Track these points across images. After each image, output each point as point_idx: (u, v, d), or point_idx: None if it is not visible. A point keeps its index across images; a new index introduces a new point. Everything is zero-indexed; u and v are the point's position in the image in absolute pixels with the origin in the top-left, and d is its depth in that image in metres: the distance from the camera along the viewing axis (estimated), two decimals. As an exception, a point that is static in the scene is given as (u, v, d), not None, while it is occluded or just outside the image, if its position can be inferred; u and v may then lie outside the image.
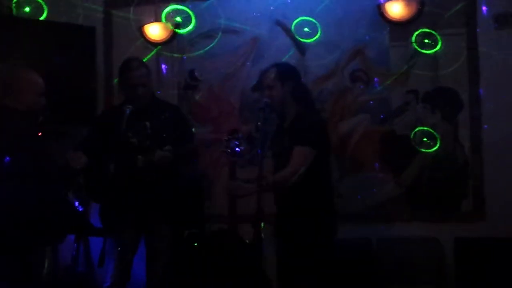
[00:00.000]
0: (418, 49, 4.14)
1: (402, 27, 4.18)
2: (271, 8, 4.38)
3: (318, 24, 4.30)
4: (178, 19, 4.50)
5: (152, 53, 4.52)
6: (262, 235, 3.20)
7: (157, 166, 3.44)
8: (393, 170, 4.17)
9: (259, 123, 3.48)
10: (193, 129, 3.93)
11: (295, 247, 3.29)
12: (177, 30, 4.48)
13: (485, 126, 4.04)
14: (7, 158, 2.94)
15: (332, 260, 3.29)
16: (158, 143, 3.49)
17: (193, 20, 4.48)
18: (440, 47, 4.12)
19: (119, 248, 3.51)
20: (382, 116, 4.21)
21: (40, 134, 3.28)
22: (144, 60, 3.93)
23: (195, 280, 3.81)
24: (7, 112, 3.00)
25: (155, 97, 3.81)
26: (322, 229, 3.27)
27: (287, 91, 3.35)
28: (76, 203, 3.94)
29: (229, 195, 3.74)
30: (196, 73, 4.47)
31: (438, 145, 4.10)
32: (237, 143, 3.30)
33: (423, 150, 4.11)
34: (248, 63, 4.41)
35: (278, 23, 4.38)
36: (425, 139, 4.12)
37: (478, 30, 4.07)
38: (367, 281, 3.94)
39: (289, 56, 4.26)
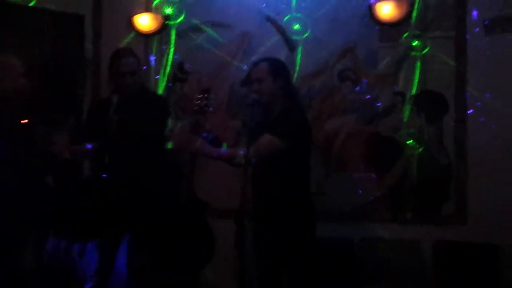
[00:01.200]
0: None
1: (392, 28, 4.19)
2: (263, 4, 4.36)
3: (308, 22, 4.29)
4: (169, 10, 4.48)
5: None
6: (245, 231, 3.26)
7: None
8: (377, 170, 4.19)
9: (246, 119, 3.51)
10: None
11: (274, 244, 3.33)
12: (168, 22, 4.46)
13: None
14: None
15: (311, 257, 3.33)
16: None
17: (183, 13, 4.47)
18: (429, 50, 4.14)
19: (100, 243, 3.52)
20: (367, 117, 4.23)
21: (26, 121, 3.27)
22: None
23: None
24: None
25: (144, 87, 3.82)
26: (300, 225, 3.30)
27: (277, 87, 3.37)
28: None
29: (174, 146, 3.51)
30: (185, 66, 4.47)
31: (422, 147, 4.12)
32: (207, 102, 3.30)
33: (408, 151, 4.14)
34: (237, 58, 4.41)
35: (269, 19, 4.37)
36: (410, 142, 4.14)
37: (467, 33, 4.07)
38: (348, 281, 3.97)
39: (279, 53, 4.24)
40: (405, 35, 4.16)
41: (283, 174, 3.29)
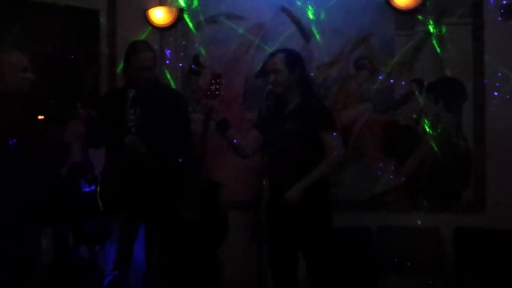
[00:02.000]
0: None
1: (407, 16, 4.16)
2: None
3: (323, 11, 4.27)
4: (182, 3, 4.48)
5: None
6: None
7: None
8: (395, 159, 4.17)
9: (262, 111, 3.55)
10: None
11: (290, 233, 3.35)
12: (185, 13, 4.45)
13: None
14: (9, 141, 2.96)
15: (327, 248, 3.35)
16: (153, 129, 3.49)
17: (196, 3, 4.46)
18: (445, 36, 4.10)
19: (119, 234, 3.54)
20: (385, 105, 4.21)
21: (43, 117, 3.29)
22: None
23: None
24: None
25: (159, 81, 3.82)
26: (317, 215, 3.35)
27: (294, 78, 3.41)
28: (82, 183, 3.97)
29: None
30: (200, 59, 4.47)
31: (440, 135, 4.10)
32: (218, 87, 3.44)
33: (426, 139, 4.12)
34: (252, 50, 4.39)
35: (284, 9, 4.36)
36: (428, 130, 4.12)
37: (484, 20, 4.03)
38: (367, 270, 3.98)
39: (294, 43, 4.22)
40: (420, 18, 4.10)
41: (302, 164, 3.31)
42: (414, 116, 4.15)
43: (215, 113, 3.42)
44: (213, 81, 3.45)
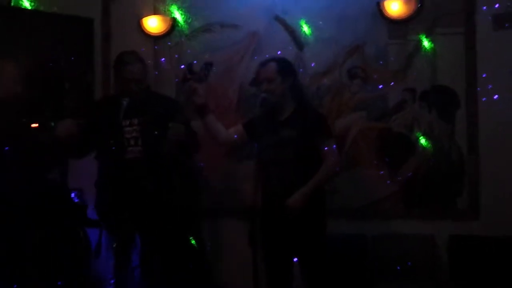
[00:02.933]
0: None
1: (400, 25, 4.19)
2: (271, 3, 4.37)
3: (317, 20, 4.30)
4: (176, 12, 4.50)
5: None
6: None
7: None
8: (389, 167, 4.18)
9: (255, 119, 3.56)
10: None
11: (285, 241, 3.34)
12: (179, 21, 4.46)
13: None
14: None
15: (323, 255, 3.36)
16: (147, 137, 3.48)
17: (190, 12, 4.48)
18: (438, 45, 4.13)
19: (114, 244, 3.51)
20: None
21: (36, 125, 3.29)
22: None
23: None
24: None
25: (151, 91, 3.78)
26: (311, 222, 3.35)
27: (286, 86, 3.43)
28: (73, 194, 3.96)
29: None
30: (194, 67, 4.47)
31: (433, 143, 4.12)
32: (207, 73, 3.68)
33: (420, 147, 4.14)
34: (246, 58, 4.41)
35: (277, 18, 4.38)
36: (421, 138, 4.14)
37: (476, 28, 4.07)
38: (362, 277, 3.97)
39: (288, 52, 4.24)
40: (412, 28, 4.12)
41: (298, 171, 3.32)
42: (408, 124, 4.16)
43: (198, 96, 3.45)
44: (204, 67, 3.47)
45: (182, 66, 3.74)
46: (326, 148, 3.37)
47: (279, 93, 3.45)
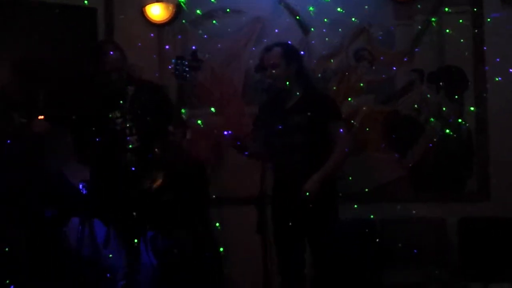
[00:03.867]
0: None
1: (407, 6, 4.13)
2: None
3: (322, 3, 4.23)
4: (179, -1, 4.46)
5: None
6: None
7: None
8: (398, 150, 4.15)
9: (263, 105, 3.54)
10: (183, 111, 3.72)
11: (297, 227, 3.33)
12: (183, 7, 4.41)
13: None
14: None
15: (335, 238, 3.35)
16: (140, 125, 3.45)
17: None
18: (445, 25, 4.06)
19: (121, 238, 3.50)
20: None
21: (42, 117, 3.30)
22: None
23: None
24: None
25: (132, 78, 3.67)
26: (324, 207, 3.32)
27: (292, 71, 3.39)
28: (80, 186, 3.96)
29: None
30: (198, 54, 4.43)
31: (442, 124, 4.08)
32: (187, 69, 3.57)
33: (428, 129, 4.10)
34: (251, 44, 4.36)
35: (282, 2, 4.33)
36: (430, 119, 4.09)
37: (484, 7, 4.01)
38: (371, 262, 3.95)
39: (293, 36, 4.18)
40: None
41: (309, 156, 3.31)
42: (416, 106, 4.12)
43: (242, 145, 3.39)
44: (191, 57, 3.64)
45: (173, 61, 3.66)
46: (341, 130, 3.35)
47: (285, 78, 3.41)
